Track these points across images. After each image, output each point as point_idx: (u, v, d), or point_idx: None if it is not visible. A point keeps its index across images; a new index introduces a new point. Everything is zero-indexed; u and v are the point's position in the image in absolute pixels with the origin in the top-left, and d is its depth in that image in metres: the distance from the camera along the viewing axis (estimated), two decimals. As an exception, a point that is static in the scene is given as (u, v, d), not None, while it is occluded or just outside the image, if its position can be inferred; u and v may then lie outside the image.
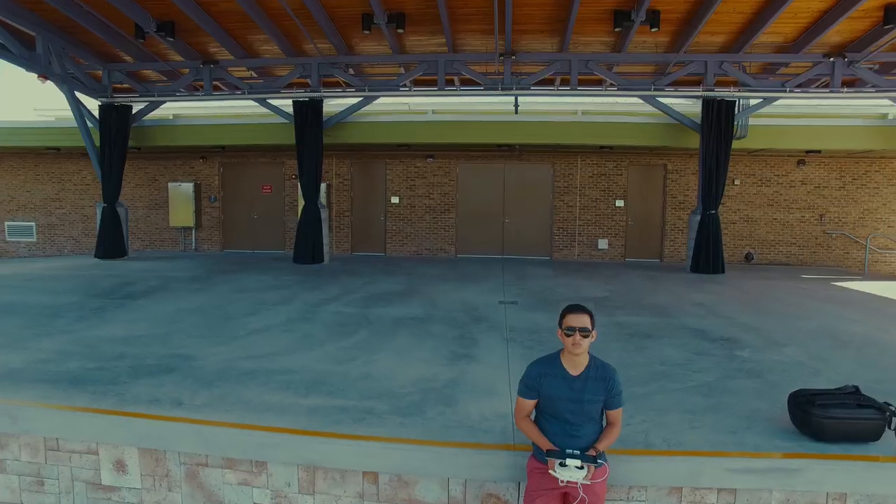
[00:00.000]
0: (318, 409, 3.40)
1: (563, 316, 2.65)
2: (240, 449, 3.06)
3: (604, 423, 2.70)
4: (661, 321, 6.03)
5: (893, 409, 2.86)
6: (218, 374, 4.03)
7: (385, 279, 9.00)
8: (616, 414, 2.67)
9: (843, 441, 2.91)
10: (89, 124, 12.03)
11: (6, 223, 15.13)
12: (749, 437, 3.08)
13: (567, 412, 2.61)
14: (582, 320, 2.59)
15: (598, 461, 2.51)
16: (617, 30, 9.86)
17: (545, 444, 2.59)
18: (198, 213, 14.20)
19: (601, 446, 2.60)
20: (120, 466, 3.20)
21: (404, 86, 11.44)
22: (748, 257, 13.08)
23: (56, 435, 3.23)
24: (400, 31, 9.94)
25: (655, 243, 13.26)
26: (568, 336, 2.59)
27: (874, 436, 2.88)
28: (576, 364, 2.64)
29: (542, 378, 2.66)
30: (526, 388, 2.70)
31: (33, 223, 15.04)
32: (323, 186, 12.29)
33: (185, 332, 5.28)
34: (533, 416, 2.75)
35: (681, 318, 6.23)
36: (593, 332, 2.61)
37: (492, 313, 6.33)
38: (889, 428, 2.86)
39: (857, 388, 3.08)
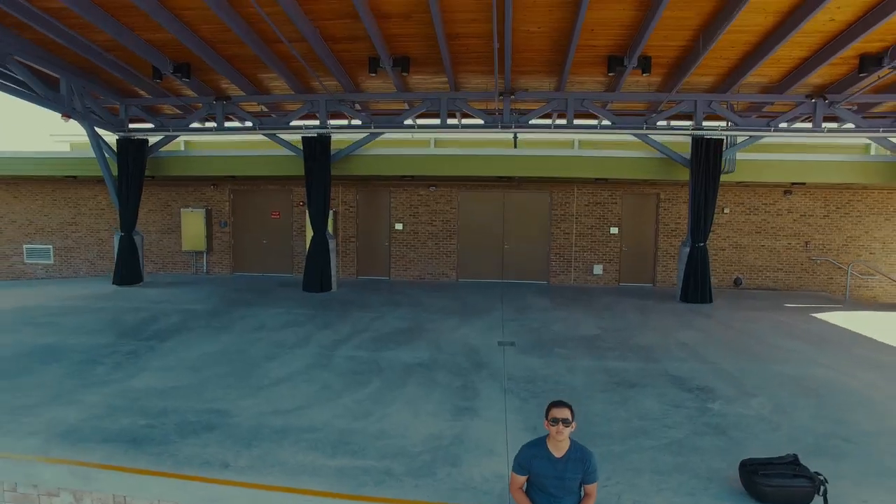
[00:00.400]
0: (344, 470, 4.01)
1: (548, 409, 3.25)
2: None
3: (582, 493, 3.30)
4: (646, 367, 6.63)
5: (822, 478, 3.47)
6: (253, 432, 4.63)
7: (391, 313, 9.61)
8: (592, 487, 3.27)
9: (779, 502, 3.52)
10: (106, 155, 12.64)
11: (24, 246, 15.74)
12: (705, 499, 3.69)
13: (552, 487, 3.21)
14: (564, 413, 3.19)
15: (578, 529, 3.11)
16: (611, 74, 10.47)
17: (533, 513, 3.19)
18: (209, 237, 14.81)
19: (581, 514, 3.20)
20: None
21: (410, 125, 12.04)
22: (737, 282, 13.68)
23: (124, 493, 3.83)
24: (404, 73, 10.57)
25: (648, 269, 13.87)
26: (553, 426, 3.19)
27: (806, 501, 3.49)
28: (559, 448, 3.24)
29: (532, 459, 3.26)
30: (519, 467, 3.30)
31: (50, 246, 15.64)
32: (330, 213, 12.90)
33: (215, 382, 5.88)
34: (524, 487, 3.35)
35: (664, 362, 6.84)
36: (573, 423, 3.21)
37: (492, 358, 6.94)
38: (818, 494, 3.46)
39: (795, 457, 3.69)
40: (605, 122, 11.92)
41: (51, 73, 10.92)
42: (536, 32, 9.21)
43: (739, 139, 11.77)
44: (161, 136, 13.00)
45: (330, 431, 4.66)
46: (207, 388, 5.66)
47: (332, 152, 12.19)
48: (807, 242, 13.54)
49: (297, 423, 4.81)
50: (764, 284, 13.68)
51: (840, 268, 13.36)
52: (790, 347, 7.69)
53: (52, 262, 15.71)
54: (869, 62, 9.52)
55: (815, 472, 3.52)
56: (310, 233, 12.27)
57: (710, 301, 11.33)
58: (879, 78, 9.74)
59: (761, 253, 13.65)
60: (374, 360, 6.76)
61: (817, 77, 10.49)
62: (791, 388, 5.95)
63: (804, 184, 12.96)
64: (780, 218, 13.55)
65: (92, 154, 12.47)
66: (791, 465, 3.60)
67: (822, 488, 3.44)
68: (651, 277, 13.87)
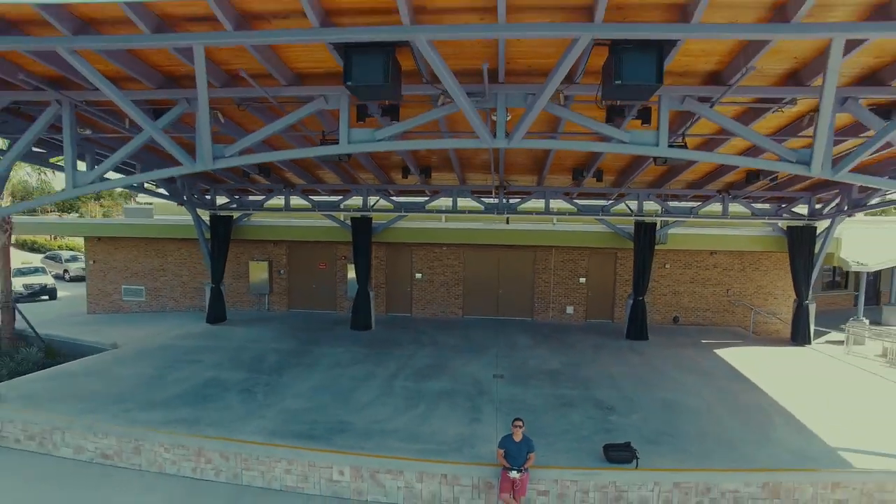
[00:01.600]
0: (419, 449, 8.35)
1: (513, 421, 7.63)
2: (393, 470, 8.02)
3: (527, 457, 7.65)
4: (583, 394, 11.00)
5: (636, 452, 7.84)
6: (366, 432, 8.97)
7: (420, 352, 13.97)
8: (532, 455, 7.63)
9: (618, 462, 7.88)
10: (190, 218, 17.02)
11: (122, 286, 20.09)
12: (586, 459, 8.04)
13: (515, 454, 7.57)
14: (519, 423, 7.57)
15: (525, 470, 7.47)
16: (575, 180, 14.87)
17: (506, 465, 7.55)
18: (270, 281, 19.17)
19: (527, 465, 7.56)
20: (351, 473, 8.14)
21: (431, 209, 16.47)
22: (675, 320, 18.09)
23: (310, 460, 8.17)
24: (427, 178, 14.96)
25: (608, 309, 18.27)
26: (514, 428, 7.56)
27: (630, 461, 7.85)
28: (518, 437, 7.60)
29: (505, 442, 7.62)
30: (500, 446, 7.66)
31: (143, 287, 19.98)
32: (369, 271, 17.25)
33: (329, 405, 10.21)
34: (504, 454, 7.70)
35: (594, 390, 11.21)
36: (523, 427, 7.58)
37: (489, 387, 11.31)
38: (637, 458, 7.83)
39: (629, 443, 8.06)
40: (573, 209, 16.34)
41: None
42: (522, 159, 13.62)
43: (670, 221, 16.20)
44: (242, 213, 17.41)
45: (406, 432, 9.02)
46: (328, 409, 10.01)
47: (373, 226, 16.61)
48: (728, 290, 17.96)
49: (387, 427, 9.18)
50: (696, 322, 18.11)
51: (752, 308, 17.78)
52: (680, 379, 12.07)
53: (144, 299, 20.06)
54: (752, 176, 13.93)
55: (635, 449, 7.90)
56: (350, 274, 16.67)
57: (647, 339, 15.74)
58: (763, 184, 14.16)
59: (694, 297, 18.07)
60: (418, 389, 11.13)
61: (723, 181, 14.91)
62: (661, 407, 10.32)
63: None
64: (707, 271, 17.98)
65: (175, 221, 16.92)
66: (625, 444, 7.99)
67: (635, 460, 7.82)
68: (611, 315, 18.28)
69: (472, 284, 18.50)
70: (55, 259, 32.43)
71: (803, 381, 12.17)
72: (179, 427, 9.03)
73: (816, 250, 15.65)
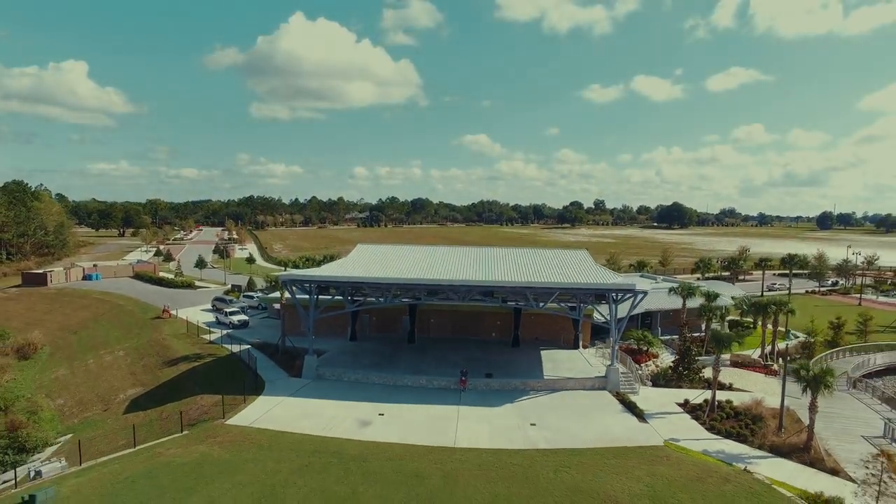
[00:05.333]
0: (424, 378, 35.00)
1: (462, 371, 34.43)
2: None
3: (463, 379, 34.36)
4: (484, 363, 37.82)
5: (466, 371, 34.53)
6: (415, 369, 35.61)
7: (431, 347, 40.65)
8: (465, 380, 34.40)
9: (488, 378, 34.60)
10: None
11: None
12: (479, 376, 34.76)
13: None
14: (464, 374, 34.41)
15: (465, 377, 34.32)
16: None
17: (463, 380, 34.31)
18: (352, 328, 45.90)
19: (465, 380, 34.35)
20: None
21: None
22: (537, 339, 45.25)
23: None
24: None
25: (509, 333, 45.30)
26: (461, 379, 34.30)
27: (491, 376, 34.57)
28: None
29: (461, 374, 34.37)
30: (461, 376, 34.41)
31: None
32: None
33: (404, 361, 36.84)
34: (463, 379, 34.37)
35: (489, 364, 38.04)
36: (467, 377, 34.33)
37: (455, 359, 38.04)
38: (488, 377, 34.50)
39: (490, 373, 34.80)
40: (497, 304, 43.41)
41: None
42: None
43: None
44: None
45: (418, 370, 35.82)
46: (403, 362, 36.65)
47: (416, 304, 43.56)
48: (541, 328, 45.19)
49: (419, 371, 35.98)
50: (539, 337, 45.26)
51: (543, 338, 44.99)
52: (524, 357, 39.01)
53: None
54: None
55: (492, 373, 34.68)
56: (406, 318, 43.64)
57: (519, 346, 42.73)
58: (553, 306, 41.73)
59: (537, 329, 45.14)
60: (436, 358, 37.81)
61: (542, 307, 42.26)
62: (506, 364, 37.20)
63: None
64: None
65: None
66: (489, 373, 34.80)
67: (491, 375, 34.68)
68: (510, 336, 45.31)
69: (455, 321, 45.13)
70: (223, 301, 58.31)
71: (560, 358, 39.14)
72: (371, 372, 35.60)
73: (598, 317, 42.56)
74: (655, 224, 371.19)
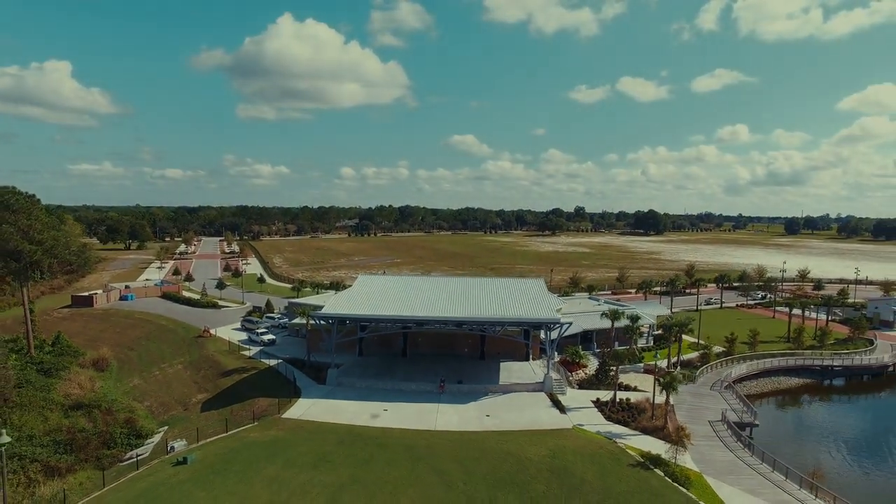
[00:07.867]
0: (414, 383, 49.27)
1: (441, 378, 48.65)
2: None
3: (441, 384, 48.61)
4: (457, 370, 52.15)
5: (461, 381, 48.82)
6: (407, 377, 49.85)
7: (422, 359, 54.83)
8: (444, 384, 48.68)
9: (458, 383, 48.85)
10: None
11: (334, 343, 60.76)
12: (454, 381, 49.02)
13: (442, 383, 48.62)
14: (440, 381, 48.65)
15: (443, 384, 48.64)
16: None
17: (441, 384, 48.55)
18: (360, 347, 60.14)
19: (442, 385, 48.61)
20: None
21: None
22: (498, 353, 59.79)
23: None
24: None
25: (478, 349, 59.76)
26: (440, 384, 48.51)
27: (462, 382, 48.93)
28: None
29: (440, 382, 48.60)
30: (440, 382, 48.66)
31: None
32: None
33: (398, 370, 51.03)
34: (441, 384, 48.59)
35: (460, 373, 52.41)
36: (445, 383, 48.56)
37: (438, 368, 52.28)
38: (460, 383, 48.80)
39: (462, 380, 49.11)
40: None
41: (354, 316, 56.49)
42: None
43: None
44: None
45: (409, 377, 50.06)
46: (398, 371, 50.87)
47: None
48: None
49: (409, 378, 50.24)
50: (502, 352, 59.88)
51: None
52: (487, 366, 53.37)
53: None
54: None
55: (461, 381, 48.97)
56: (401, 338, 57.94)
57: (484, 359, 57.16)
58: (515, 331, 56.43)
59: (498, 346, 59.74)
60: (424, 366, 52.01)
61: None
62: (473, 373, 51.55)
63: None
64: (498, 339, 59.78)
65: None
66: (459, 381, 49.16)
67: (461, 382, 49.03)
68: (479, 351, 59.79)
69: (437, 340, 59.35)
70: (251, 322, 71.93)
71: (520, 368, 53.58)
72: (376, 380, 49.78)
73: (543, 336, 56.93)
74: (631, 231, 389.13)
